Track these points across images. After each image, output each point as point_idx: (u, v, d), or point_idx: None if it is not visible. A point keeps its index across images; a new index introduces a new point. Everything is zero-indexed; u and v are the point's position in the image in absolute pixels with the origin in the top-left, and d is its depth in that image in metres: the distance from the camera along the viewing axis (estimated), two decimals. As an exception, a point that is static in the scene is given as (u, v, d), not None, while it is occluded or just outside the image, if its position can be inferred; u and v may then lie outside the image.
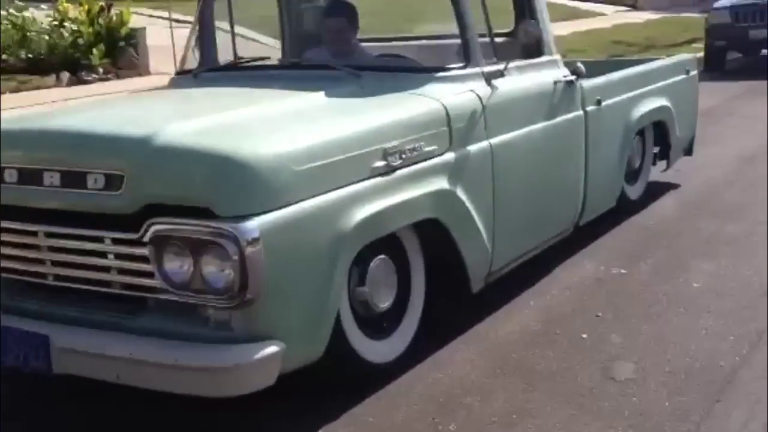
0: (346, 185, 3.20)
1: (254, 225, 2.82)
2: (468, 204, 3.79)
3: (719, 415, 3.14)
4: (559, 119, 4.59)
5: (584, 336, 3.90)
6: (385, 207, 3.32)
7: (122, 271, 3.04)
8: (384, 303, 3.54)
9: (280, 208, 2.93)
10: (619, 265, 4.79)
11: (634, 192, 5.81)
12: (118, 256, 3.02)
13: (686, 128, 6.30)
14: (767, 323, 3.88)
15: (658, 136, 6.02)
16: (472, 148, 3.88)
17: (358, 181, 3.25)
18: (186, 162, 2.92)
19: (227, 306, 2.90)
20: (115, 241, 3.00)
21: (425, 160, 3.60)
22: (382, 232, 3.38)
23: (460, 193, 3.75)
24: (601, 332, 3.92)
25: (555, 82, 4.56)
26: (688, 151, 6.52)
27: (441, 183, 3.66)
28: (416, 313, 3.77)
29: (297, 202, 2.99)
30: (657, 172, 6.25)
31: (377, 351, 3.52)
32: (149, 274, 2.98)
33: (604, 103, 4.98)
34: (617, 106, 5.23)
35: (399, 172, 3.44)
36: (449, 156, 3.73)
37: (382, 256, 3.49)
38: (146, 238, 2.91)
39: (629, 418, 3.14)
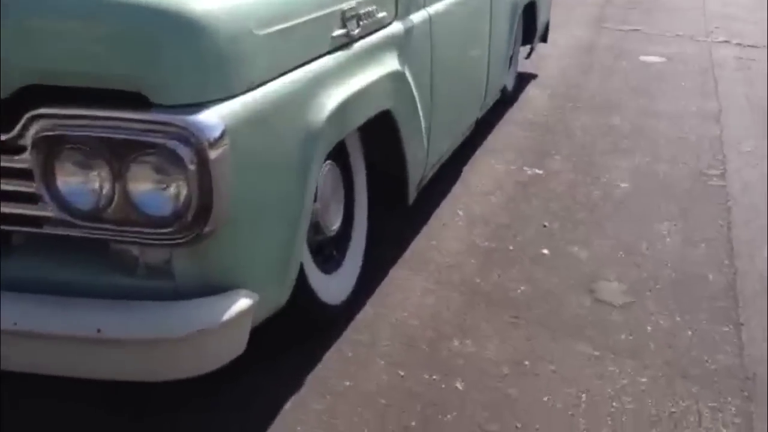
0: (310, 61, 2.22)
1: (216, 118, 1.79)
2: (413, 90, 2.93)
3: (755, 328, 2.65)
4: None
5: (545, 252, 3.23)
6: (352, 93, 2.39)
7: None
8: (334, 224, 2.64)
9: (243, 92, 1.91)
10: (528, 164, 4.17)
11: (510, 81, 5.19)
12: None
13: (545, 12, 5.77)
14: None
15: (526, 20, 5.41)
16: (415, 17, 3.00)
17: (321, 56, 2.28)
18: (105, 19, 1.76)
19: (170, 242, 1.87)
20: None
21: (378, 29, 2.67)
22: (349, 127, 2.46)
23: (408, 75, 2.87)
24: (558, 245, 3.28)
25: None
26: (544, 38, 6.01)
27: (393, 63, 2.76)
28: (361, 237, 2.91)
29: (261, 85, 1.98)
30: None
31: (330, 288, 2.62)
32: (30, 198, 1.88)
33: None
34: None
35: (358, 45, 2.49)
36: (397, 27, 2.81)
37: (329, 163, 2.56)
38: (27, 140, 1.81)
39: (659, 353, 2.55)
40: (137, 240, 1.88)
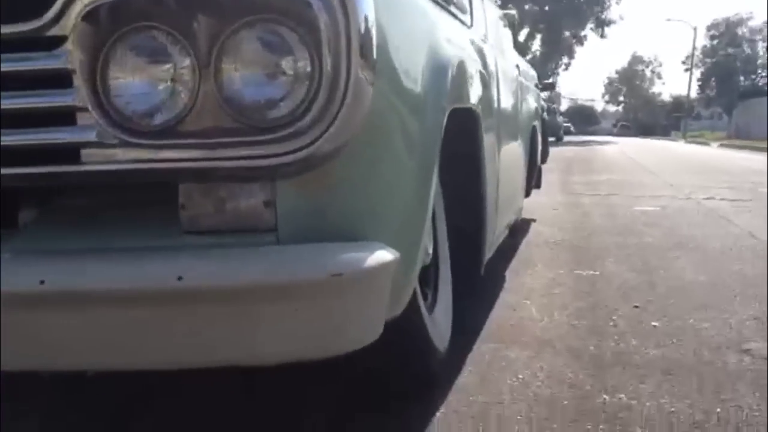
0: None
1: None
2: (490, 118, 2.43)
3: None
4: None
5: (655, 324, 2.60)
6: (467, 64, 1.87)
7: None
8: (429, 245, 2.00)
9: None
10: (578, 269, 3.60)
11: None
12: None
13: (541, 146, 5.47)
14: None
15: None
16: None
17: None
18: None
19: (277, 163, 1.23)
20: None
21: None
22: (459, 100, 1.90)
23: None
24: (643, 320, 2.65)
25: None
26: (537, 182, 5.67)
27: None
28: (447, 278, 2.25)
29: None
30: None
31: (432, 329, 1.91)
32: (64, 115, 1.25)
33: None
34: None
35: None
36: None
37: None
38: (67, 23, 1.23)
39: None
40: (226, 168, 1.23)
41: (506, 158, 2.94)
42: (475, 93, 2.11)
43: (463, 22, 2.19)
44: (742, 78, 58.41)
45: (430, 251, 2.00)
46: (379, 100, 1.31)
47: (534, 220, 5.40)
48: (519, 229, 4.77)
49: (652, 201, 6.72)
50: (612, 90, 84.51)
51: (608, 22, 36.20)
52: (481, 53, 2.33)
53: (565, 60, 41.84)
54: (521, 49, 35.36)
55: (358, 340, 1.28)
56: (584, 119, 75.77)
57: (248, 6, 1.21)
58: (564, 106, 79.05)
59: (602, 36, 36.44)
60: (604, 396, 1.93)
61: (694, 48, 52.02)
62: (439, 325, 2.01)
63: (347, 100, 1.21)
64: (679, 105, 62.39)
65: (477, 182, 2.32)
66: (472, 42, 2.26)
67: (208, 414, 1.86)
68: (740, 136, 38.11)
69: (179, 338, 1.20)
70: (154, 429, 1.80)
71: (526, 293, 3.09)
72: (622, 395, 1.94)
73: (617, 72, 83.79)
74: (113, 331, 1.21)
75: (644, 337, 2.45)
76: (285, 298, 1.19)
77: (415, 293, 1.70)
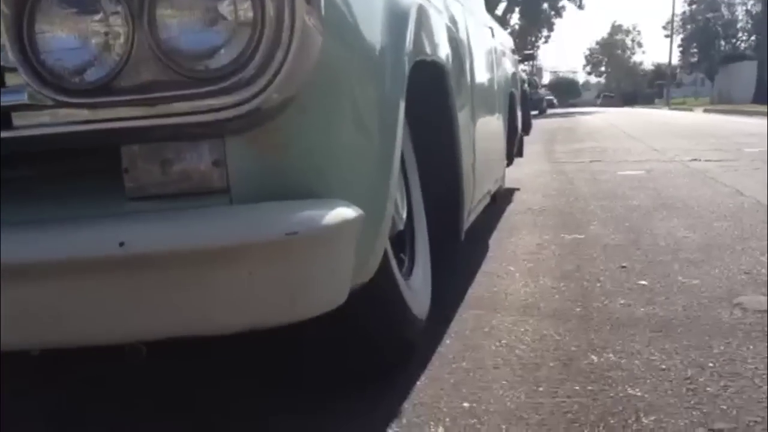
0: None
1: None
2: (464, 81, 2.33)
3: None
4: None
5: (643, 283, 2.52)
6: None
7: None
8: (402, 210, 1.91)
9: None
10: (563, 233, 3.52)
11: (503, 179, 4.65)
12: None
13: (520, 115, 5.37)
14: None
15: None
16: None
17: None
18: None
19: (222, 119, 1.14)
20: None
21: None
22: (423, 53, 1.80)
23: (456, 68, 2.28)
24: (630, 279, 2.57)
25: None
26: (519, 151, 5.59)
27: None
28: (425, 241, 2.15)
29: None
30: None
31: (409, 296, 1.82)
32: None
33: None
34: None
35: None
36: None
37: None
38: None
39: None
40: (168, 125, 1.14)
41: (483, 122, 2.84)
42: (442, 47, 2.01)
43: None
44: (722, 43, 58.42)
45: (404, 216, 1.91)
46: (330, 49, 1.21)
47: (518, 189, 5.32)
48: (503, 197, 4.69)
49: (636, 165, 6.65)
50: (593, 61, 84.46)
51: (586, -8, 36.08)
52: (448, 8, 2.23)
53: (545, 33, 41.73)
54: (499, 22, 35.18)
55: (321, 304, 1.19)
56: (567, 92, 75.67)
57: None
58: (546, 79, 79.04)
59: (580, 6, 36.28)
60: (592, 356, 1.85)
61: (673, 15, 51.94)
62: (417, 291, 1.92)
63: (293, 48, 1.12)
64: (661, 73, 62.50)
65: (451, 144, 2.22)
66: (438, -5, 2.16)
67: (164, 394, 1.77)
68: (723, 101, 38.18)
69: (127, 309, 1.11)
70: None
71: (510, 259, 3.00)
72: (610, 354, 1.86)
73: (597, 43, 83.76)
74: (56, 305, 1.11)
75: (632, 296, 2.37)
76: (236, 261, 1.09)
77: (387, 257, 1.61)
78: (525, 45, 40.47)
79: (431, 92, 2.10)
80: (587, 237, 3.39)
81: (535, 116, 23.38)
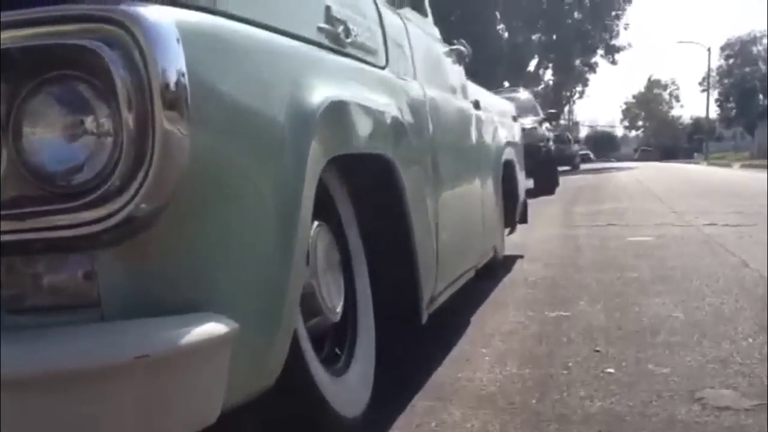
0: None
1: (168, 17, 1.15)
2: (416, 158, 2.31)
3: None
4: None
5: (610, 371, 2.44)
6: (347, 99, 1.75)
7: None
8: (335, 303, 1.86)
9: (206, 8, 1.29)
10: (549, 310, 3.44)
11: (500, 245, 4.59)
12: None
13: (521, 182, 5.31)
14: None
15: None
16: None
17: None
18: None
19: (90, 232, 1.14)
20: None
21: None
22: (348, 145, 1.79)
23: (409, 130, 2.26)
24: (599, 366, 2.49)
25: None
26: (524, 217, 5.52)
27: (391, 107, 2.15)
28: (369, 334, 2.11)
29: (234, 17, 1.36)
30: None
31: (340, 395, 1.77)
32: None
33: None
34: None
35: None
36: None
37: (319, 223, 1.84)
38: None
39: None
40: (40, 239, 1.14)
41: (453, 201, 2.80)
42: (382, 137, 1.99)
43: (370, 63, 2.07)
44: (761, 97, 57.91)
45: (338, 308, 1.86)
46: (206, 155, 1.20)
47: (521, 257, 5.24)
48: (501, 267, 4.61)
49: (649, 230, 6.53)
50: (630, 115, 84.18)
51: (618, 49, 36.07)
52: (396, 93, 2.21)
53: (579, 88, 41.76)
54: (532, 78, 35.51)
55: (185, 424, 1.15)
56: (605, 146, 75.40)
57: (40, 65, 1.10)
58: (583, 133, 78.94)
59: (613, 62, 36.30)
60: (529, 459, 1.77)
61: (709, 69, 51.66)
62: (352, 388, 1.87)
63: (155, 157, 1.10)
64: (699, 127, 61.94)
65: (403, 230, 2.18)
66: (384, 82, 2.14)
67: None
68: (762, 155, 37.66)
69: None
70: None
71: (485, 340, 2.93)
72: (549, 458, 1.78)
73: (634, 97, 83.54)
74: None
75: (594, 386, 2.29)
76: (88, 386, 1.07)
77: (300, 359, 1.57)
78: (560, 100, 40.55)
79: (376, 181, 2.07)
80: (572, 315, 3.31)
81: (567, 172, 23.29)
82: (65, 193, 1.13)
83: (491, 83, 22.66)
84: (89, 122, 1.12)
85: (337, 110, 1.65)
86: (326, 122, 1.55)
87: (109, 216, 1.11)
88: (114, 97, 1.09)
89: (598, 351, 2.68)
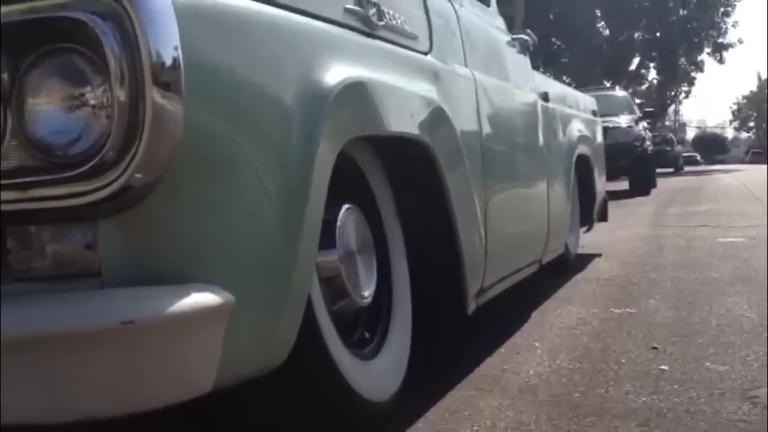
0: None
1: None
2: (461, 146, 2.27)
3: None
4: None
5: (663, 368, 2.35)
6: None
7: None
8: (365, 286, 1.85)
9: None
10: (615, 307, 3.34)
11: (572, 242, 4.48)
12: None
13: (600, 178, 5.16)
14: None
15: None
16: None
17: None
18: None
19: (87, 201, 1.17)
20: None
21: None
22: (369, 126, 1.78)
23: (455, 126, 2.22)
24: (653, 363, 2.39)
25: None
26: (603, 215, 5.38)
27: (431, 94, 2.13)
28: (406, 320, 2.09)
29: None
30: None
31: (366, 378, 1.76)
32: None
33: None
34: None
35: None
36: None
37: (350, 205, 1.84)
38: None
39: None
40: (42, 209, 1.19)
41: (507, 195, 2.75)
42: (417, 121, 1.97)
43: (408, 47, 2.06)
44: None
45: (367, 293, 1.85)
46: (204, 129, 1.22)
47: (599, 255, 5.11)
48: (574, 265, 4.51)
49: (742, 231, 6.25)
50: (741, 116, 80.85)
51: (726, 47, 34.62)
52: (439, 79, 2.18)
53: (684, 87, 40.37)
54: (634, 77, 34.49)
55: (171, 394, 1.16)
56: (713, 148, 72.55)
57: (39, 38, 1.14)
58: (690, 135, 76.30)
59: (720, 61, 34.85)
60: (558, 451, 1.73)
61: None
62: (381, 372, 1.86)
63: (147, 130, 1.13)
64: (816, 128, 58.87)
65: (445, 218, 2.16)
66: (425, 67, 2.12)
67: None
68: None
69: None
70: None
71: (541, 334, 2.87)
72: (578, 450, 1.73)
73: (745, 97, 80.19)
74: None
75: (643, 382, 2.21)
76: (71, 348, 1.10)
77: (319, 341, 1.57)
78: (664, 100, 39.32)
79: (415, 165, 2.06)
80: (638, 312, 3.20)
81: (669, 174, 22.55)
82: (64, 164, 1.16)
83: (590, 81, 22.18)
84: (86, 94, 1.15)
85: (357, 91, 1.64)
86: (343, 102, 1.55)
87: (105, 186, 1.14)
88: (107, 70, 1.12)
89: (655, 348, 2.58)
